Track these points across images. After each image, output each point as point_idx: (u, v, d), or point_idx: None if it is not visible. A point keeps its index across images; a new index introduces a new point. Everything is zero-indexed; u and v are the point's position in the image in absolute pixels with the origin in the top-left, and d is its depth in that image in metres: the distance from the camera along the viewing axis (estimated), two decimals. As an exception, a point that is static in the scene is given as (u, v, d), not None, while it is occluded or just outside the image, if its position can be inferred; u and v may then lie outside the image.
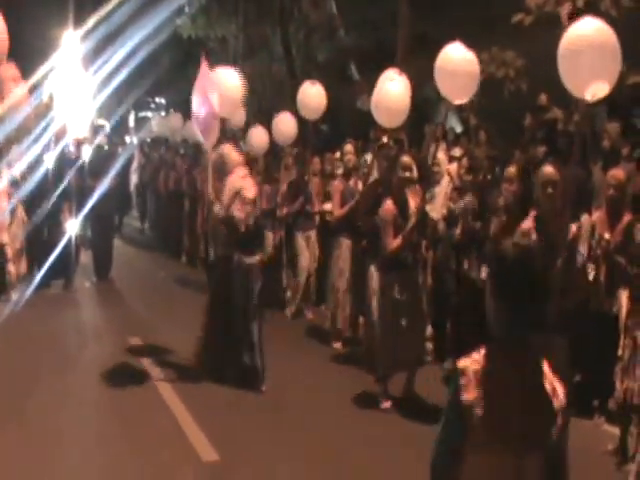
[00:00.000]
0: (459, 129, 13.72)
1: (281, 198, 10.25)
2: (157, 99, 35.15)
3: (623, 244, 6.05)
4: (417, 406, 6.67)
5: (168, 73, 24.75)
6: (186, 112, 11.60)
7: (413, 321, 6.76)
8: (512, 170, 6.64)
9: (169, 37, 20.07)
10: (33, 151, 10.54)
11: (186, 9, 20.84)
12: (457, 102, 7.02)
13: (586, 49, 5.08)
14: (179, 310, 10.04)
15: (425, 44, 11.60)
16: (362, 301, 7.88)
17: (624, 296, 5.98)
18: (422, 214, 6.87)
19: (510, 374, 2.43)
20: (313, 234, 10.13)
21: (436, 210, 8.25)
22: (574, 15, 8.74)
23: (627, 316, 5.66)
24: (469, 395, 2.42)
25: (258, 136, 10.94)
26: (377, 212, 6.89)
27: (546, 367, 2.48)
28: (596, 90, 5.09)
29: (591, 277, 6.38)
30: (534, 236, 5.19)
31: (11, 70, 7.53)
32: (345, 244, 8.73)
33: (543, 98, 10.73)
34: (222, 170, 7.44)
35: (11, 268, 10.45)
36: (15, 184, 10.56)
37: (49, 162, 11.30)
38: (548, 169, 5.46)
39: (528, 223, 5.32)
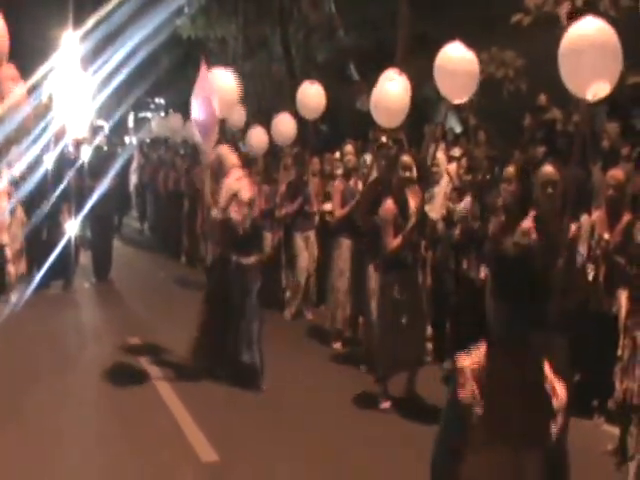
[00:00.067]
0: (458, 129, 13.72)
1: (280, 198, 10.25)
2: (156, 99, 35.14)
3: (622, 244, 6.05)
4: (417, 406, 6.67)
5: (168, 73, 24.74)
6: (186, 112, 11.59)
7: (413, 319, 6.76)
8: (511, 170, 6.64)
9: (169, 37, 20.07)
10: (32, 151, 10.54)
11: (186, 9, 20.83)
12: (457, 101, 7.01)
13: (587, 49, 5.08)
14: (178, 310, 10.03)
15: (425, 44, 11.58)
16: (362, 301, 7.90)
17: (623, 296, 5.98)
18: (422, 214, 6.88)
19: (510, 373, 2.43)
20: (312, 234, 10.13)
21: (435, 210, 8.25)
22: (573, 15, 8.74)
23: (626, 316, 5.65)
24: (468, 393, 2.42)
25: (257, 136, 10.94)
26: (377, 212, 6.89)
27: (546, 366, 2.48)
28: (597, 90, 5.08)
29: (590, 277, 6.38)
30: (534, 236, 5.18)
31: (10, 70, 7.52)
32: (345, 244, 8.72)
33: (542, 98, 10.73)
34: (219, 171, 7.47)
35: (11, 269, 10.45)
36: (15, 184, 10.56)
37: (48, 162, 11.30)
38: (548, 169, 5.45)
39: (528, 223, 5.31)
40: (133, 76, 19.38)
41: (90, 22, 18.51)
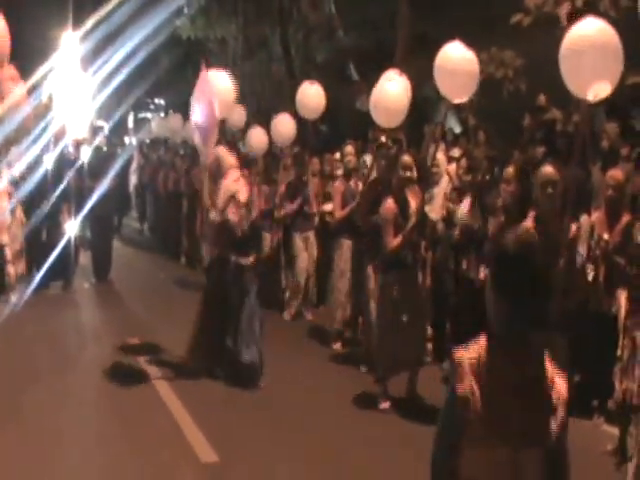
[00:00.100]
0: (458, 129, 13.72)
1: (279, 199, 10.24)
2: (156, 100, 35.10)
3: (622, 244, 6.05)
4: (416, 406, 6.67)
5: (167, 74, 24.73)
6: (185, 113, 11.59)
7: (413, 319, 6.76)
8: (510, 171, 6.65)
9: (168, 38, 20.08)
10: (32, 152, 10.54)
11: (185, 10, 20.83)
12: (456, 101, 7.02)
13: (588, 49, 5.08)
14: (178, 311, 10.00)
15: (425, 44, 11.57)
16: (362, 301, 7.90)
17: (623, 296, 5.97)
18: (422, 214, 6.88)
19: (510, 372, 2.42)
20: (311, 235, 10.12)
21: (435, 210, 8.25)
22: (573, 15, 8.74)
23: (626, 316, 5.65)
24: (466, 387, 2.41)
25: (257, 137, 10.93)
26: (377, 212, 6.90)
27: (548, 362, 2.47)
28: (598, 90, 5.09)
29: (590, 277, 6.38)
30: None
31: (10, 70, 7.53)
32: (346, 245, 8.72)
33: (542, 98, 10.73)
34: (217, 172, 7.48)
35: (10, 269, 10.45)
36: (15, 184, 10.56)
37: (48, 163, 11.30)
38: (548, 169, 5.46)
39: (528, 223, 5.32)
40: (133, 76, 19.38)
41: (90, 22, 18.52)
